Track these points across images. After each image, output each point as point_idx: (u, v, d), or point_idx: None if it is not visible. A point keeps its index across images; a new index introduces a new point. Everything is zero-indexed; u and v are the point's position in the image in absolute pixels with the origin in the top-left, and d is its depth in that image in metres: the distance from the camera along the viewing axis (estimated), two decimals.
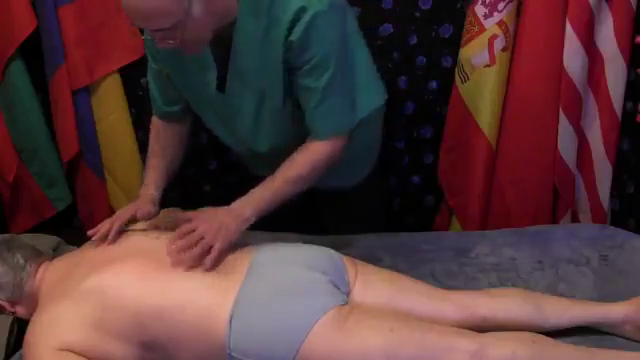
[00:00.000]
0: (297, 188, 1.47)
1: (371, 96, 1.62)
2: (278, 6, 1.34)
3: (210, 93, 1.50)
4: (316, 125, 1.46)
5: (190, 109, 1.63)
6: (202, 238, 1.35)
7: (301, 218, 1.79)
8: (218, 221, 1.39)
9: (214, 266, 1.34)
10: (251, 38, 1.39)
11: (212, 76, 1.47)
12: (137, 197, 1.56)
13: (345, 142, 1.50)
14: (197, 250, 1.34)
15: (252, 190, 1.45)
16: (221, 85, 1.48)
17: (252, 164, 1.73)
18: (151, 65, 1.59)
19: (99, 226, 1.46)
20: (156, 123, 1.66)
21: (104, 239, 1.43)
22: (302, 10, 1.32)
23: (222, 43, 1.40)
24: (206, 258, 1.34)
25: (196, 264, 1.33)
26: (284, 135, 1.52)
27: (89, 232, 1.46)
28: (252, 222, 1.43)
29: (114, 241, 1.43)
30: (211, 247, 1.35)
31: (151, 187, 1.57)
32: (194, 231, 1.37)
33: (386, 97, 1.66)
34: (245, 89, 1.46)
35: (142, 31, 1.58)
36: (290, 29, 1.34)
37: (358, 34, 1.57)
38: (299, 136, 1.49)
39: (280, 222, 1.70)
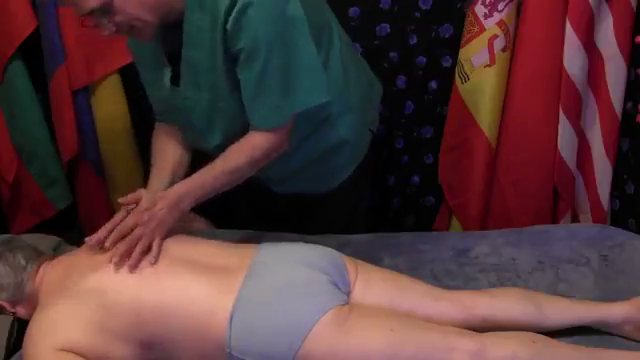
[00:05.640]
0: (236, 178, 1.46)
1: (314, 89, 1.47)
2: None
3: (166, 88, 1.50)
4: (252, 117, 1.45)
5: None
6: (140, 237, 1.35)
7: (281, 223, 1.75)
8: (156, 216, 1.37)
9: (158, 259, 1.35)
10: (200, 31, 1.39)
11: (167, 71, 1.48)
12: None
13: (286, 135, 1.47)
14: (137, 251, 1.33)
15: (191, 176, 1.45)
16: (175, 79, 1.48)
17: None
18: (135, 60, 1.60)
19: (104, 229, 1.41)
20: (156, 131, 1.64)
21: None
22: (234, 0, 1.32)
23: (174, 37, 1.40)
24: (148, 255, 1.34)
25: (138, 263, 1.33)
26: (237, 129, 1.50)
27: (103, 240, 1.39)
28: (188, 210, 1.43)
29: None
30: (151, 243, 1.35)
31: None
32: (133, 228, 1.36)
33: (329, 97, 1.49)
34: (198, 83, 1.46)
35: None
36: (226, 19, 1.34)
37: (301, 22, 1.42)
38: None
39: (260, 228, 1.70)
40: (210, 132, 1.53)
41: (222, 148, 1.50)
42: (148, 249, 1.35)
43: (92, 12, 1.30)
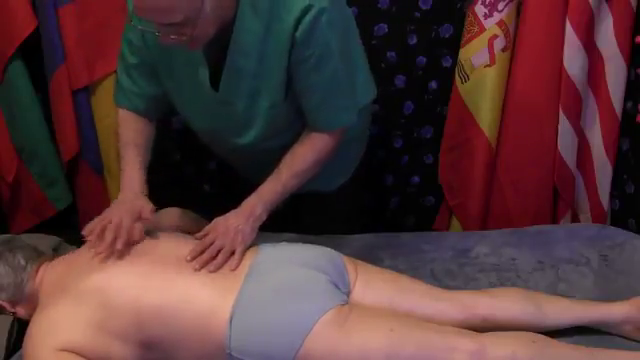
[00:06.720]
0: (302, 181, 1.50)
1: (367, 88, 1.65)
2: (281, 4, 1.34)
3: (199, 90, 1.48)
4: (319, 119, 1.48)
5: (160, 107, 1.61)
6: (221, 248, 1.38)
7: (281, 222, 1.77)
8: (233, 228, 1.41)
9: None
10: (251, 36, 1.39)
11: (202, 73, 1.46)
12: (125, 196, 1.47)
13: (344, 133, 1.52)
14: (219, 260, 1.36)
15: (260, 187, 1.48)
16: (214, 83, 1.46)
17: (232, 162, 1.76)
18: (128, 59, 1.55)
19: (98, 230, 1.38)
20: (125, 116, 1.62)
21: (110, 252, 1.36)
22: (308, 8, 1.33)
23: (216, 41, 1.39)
24: (229, 262, 1.37)
25: (219, 269, 1.36)
26: (270, 132, 1.52)
27: (87, 236, 1.39)
28: (264, 219, 1.46)
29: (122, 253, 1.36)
30: (232, 253, 1.38)
31: (136, 182, 1.50)
32: (213, 243, 1.39)
33: (376, 92, 1.69)
34: (240, 87, 1.45)
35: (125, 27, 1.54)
36: (296, 27, 1.35)
37: (354, 27, 1.57)
38: (283, 130, 1.52)
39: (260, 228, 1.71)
40: (240, 135, 1.54)
41: (250, 146, 1.53)
42: (229, 259, 1.38)
43: (170, 24, 1.28)
